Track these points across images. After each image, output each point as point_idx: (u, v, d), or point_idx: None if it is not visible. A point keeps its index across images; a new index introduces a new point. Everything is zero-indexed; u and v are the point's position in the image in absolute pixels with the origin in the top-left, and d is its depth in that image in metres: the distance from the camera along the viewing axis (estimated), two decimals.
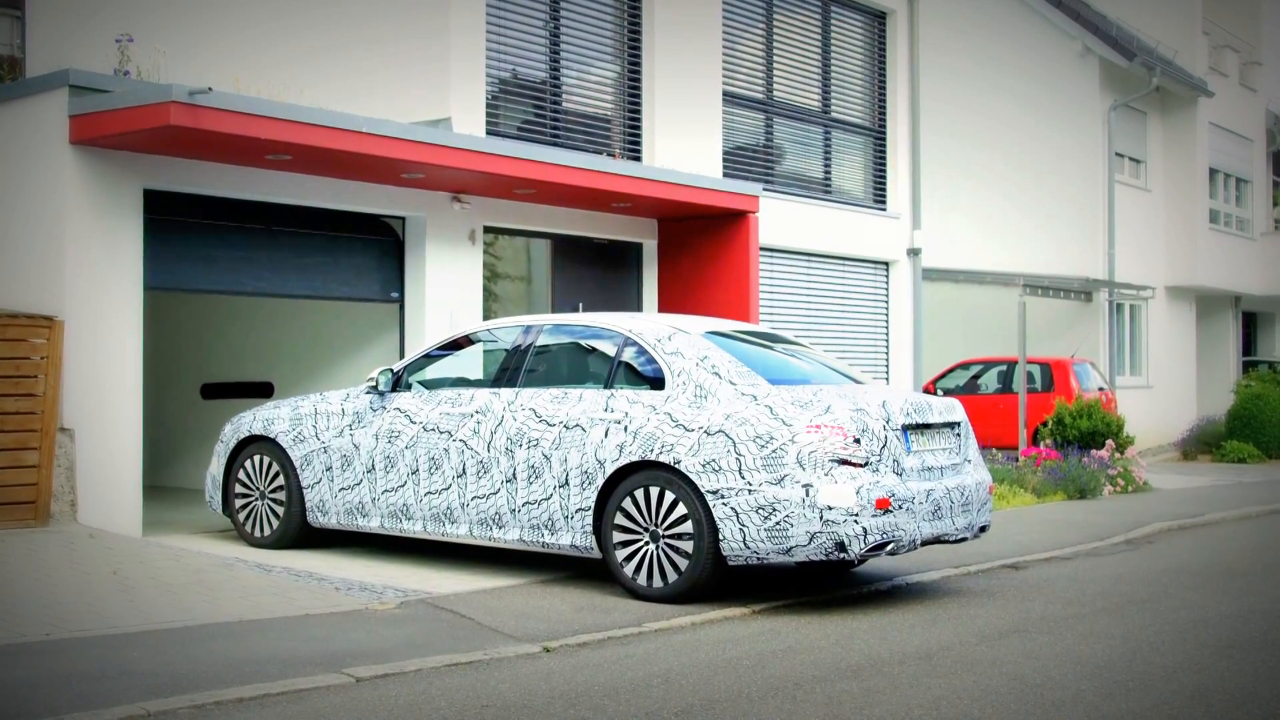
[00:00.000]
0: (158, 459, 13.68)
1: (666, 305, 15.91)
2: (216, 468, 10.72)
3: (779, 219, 16.91)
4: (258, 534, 10.34)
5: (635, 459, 8.53)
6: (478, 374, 10.21)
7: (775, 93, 17.75)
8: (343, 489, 9.85)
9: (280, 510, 10.21)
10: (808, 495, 8.03)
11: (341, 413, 9.99)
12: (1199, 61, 29.26)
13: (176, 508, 12.51)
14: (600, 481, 8.65)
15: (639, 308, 15.86)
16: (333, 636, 7.32)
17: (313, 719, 5.70)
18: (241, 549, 10.14)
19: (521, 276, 15.21)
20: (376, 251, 12.97)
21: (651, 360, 8.90)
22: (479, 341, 10.23)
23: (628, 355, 9.03)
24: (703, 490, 8.26)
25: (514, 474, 9.00)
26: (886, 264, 19.44)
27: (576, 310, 14.89)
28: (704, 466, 8.27)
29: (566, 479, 8.79)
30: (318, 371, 13.72)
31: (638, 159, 15.52)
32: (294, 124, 10.56)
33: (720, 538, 8.20)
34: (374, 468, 9.67)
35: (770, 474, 8.12)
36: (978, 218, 26.91)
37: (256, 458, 10.41)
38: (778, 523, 8.06)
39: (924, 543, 8.43)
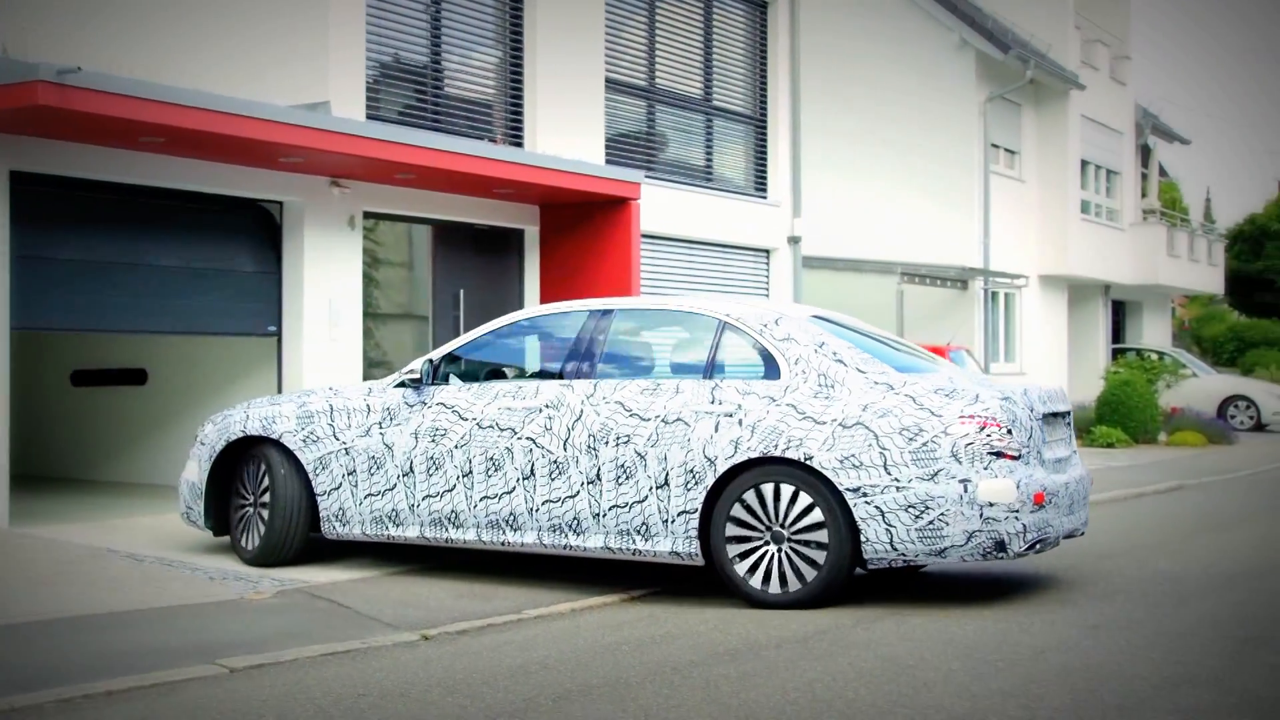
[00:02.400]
0: (28, 447, 13.35)
1: (548, 292, 15.88)
2: (197, 474, 9.44)
3: (661, 206, 16.97)
4: (248, 546, 9.15)
5: (754, 455, 7.87)
6: (527, 364, 9.37)
7: (658, 80, 17.81)
8: (370, 495, 8.81)
9: (283, 519, 9.04)
10: (965, 491, 7.56)
11: (367, 409, 8.94)
12: (1071, 55, 29.91)
13: (46, 497, 12.22)
14: (710, 481, 7.95)
15: (520, 294, 15.82)
16: (207, 627, 7.22)
17: (185, 712, 5.61)
18: (114, 538, 9.92)
19: (403, 262, 15.09)
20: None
21: (759, 347, 8.27)
22: (529, 329, 9.44)
23: (728, 342, 8.40)
24: (841, 488, 7.69)
25: (598, 474, 8.23)
26: (767, 251, 19.61)
27: (457, 298, 14.82)
28: (842, 462, 7.70)
29: (666, 479, 8.06)
30: (194, 357, 13.50)
31: (520, 145, 15.47)
32: (167, 105, 10.35)
33: (862, 539, 7.67)
34: (412, 470, 8.70)
35: (921, 469, 7.61)
36: (858, 206, 27.25)
37: (257, 462, 9.21)
38: (931, 522, 7.57)
39: (1063, 538, 8.12)
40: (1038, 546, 7.75)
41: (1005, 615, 7.55)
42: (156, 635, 6.97)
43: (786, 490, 7.83)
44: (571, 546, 8.35)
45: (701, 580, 8.83)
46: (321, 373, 12.88)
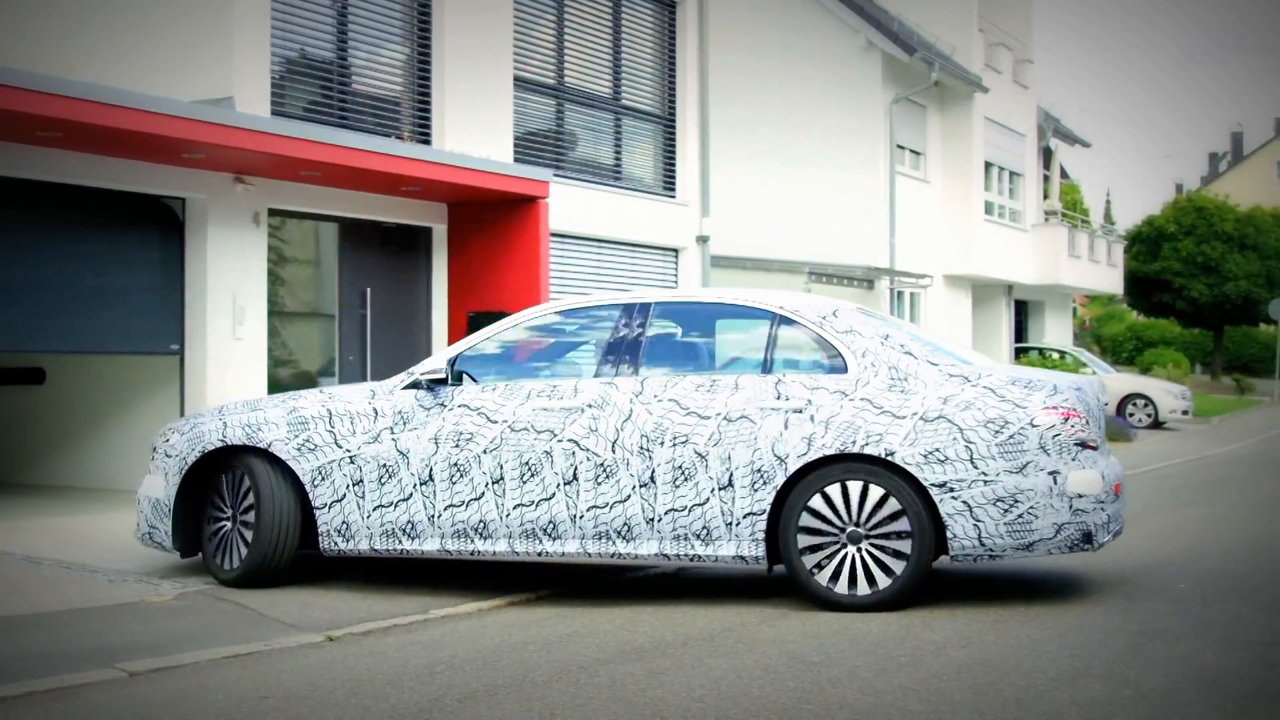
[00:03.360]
0: None
1: (457, 290, 15.83)
2: (163, 489, 8.58)
3: (570, 205, 16.97)
4: (227, 566, 8.43)
5: (830, 452, 7.62)
6: (555, 361, 8.80)
7: (567, 79, 17.80)
8: (381, 507, 8.18)
9: (249, 535, 8.34)
10: (1055, 483, 7.48)
11: (374, 413, 8.30)
12: (975, 58, 30.35)
13: None
14: (780, 480, 7.66)
15: (428, 293, 15.73)
16: (107, 630, 7.10)
17: (82, 717, 5.52)
18: (10, 540, 9.72)
19: (309, 261, 14.94)
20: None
21: (820, 340, 8.01)
22: (554, 325, 8.88)
23: (786, 335, 8.10)
24: (926, 483, 7.52)
25: (651, 477, 7.83)
26: (675, 251, 19.69)
27: (364, 296, 14.70)
28: (926, 457, 7.52)
29: (730, 480, 7.74)
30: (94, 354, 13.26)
31: (428, 143, 15.39)
32: (66, 99, 10.17)
33: (949, 535, 7.53)
34: (431, 478, 8.12)
35: (1009, 462, 7.49)
36: (765, 206, 27.43)
37: (237, 474, 8.44)
38: (1020, 515, 7.47)
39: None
40: (1115, 537, 7.82)
41: (909, 611, 7.63)
42: (54, 639, 6.84)
43: (864, 488, 7.63)
44: (620, 554, 7.91)
45: (606, 580, 8.84)
46: (226, 370, 12.72)
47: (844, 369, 7.88)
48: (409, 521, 8.16)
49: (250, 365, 13.06)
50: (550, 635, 7.13)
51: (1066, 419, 7.60)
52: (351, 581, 8.65)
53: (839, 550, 7.65)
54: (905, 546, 7.54)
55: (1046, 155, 37.85)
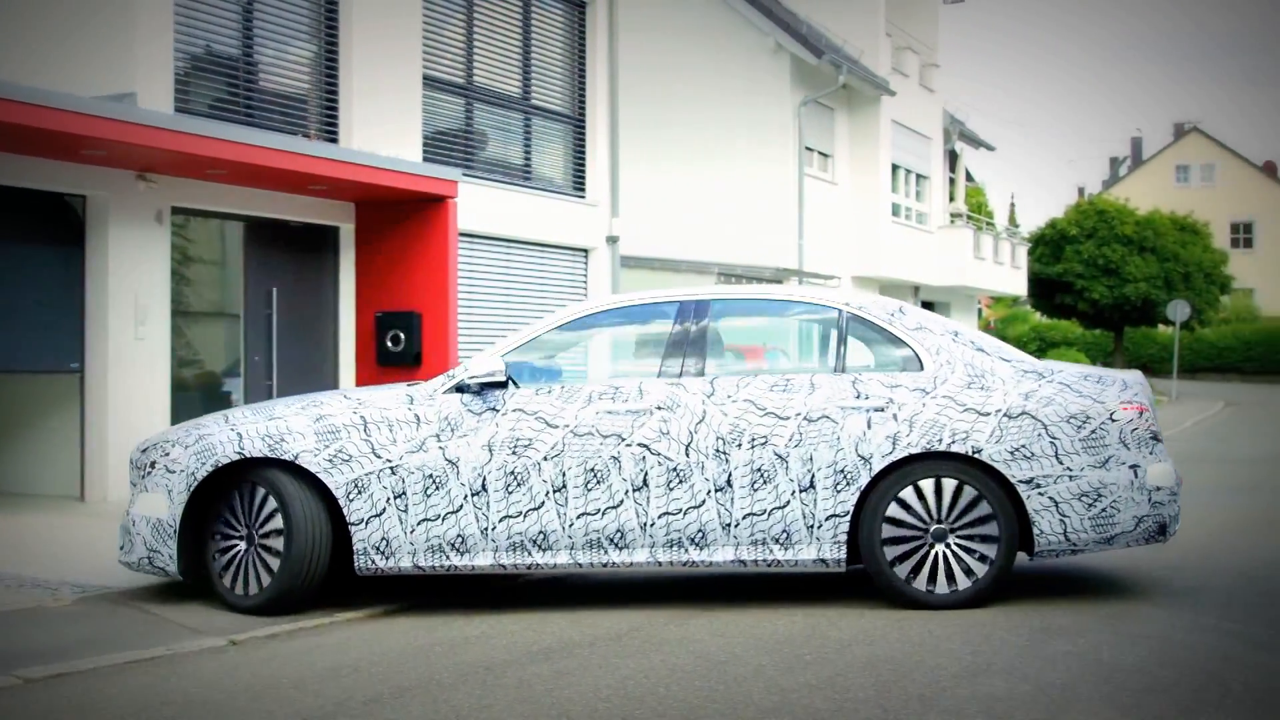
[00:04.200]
0: None
1: (365, 290, 15.71)
2: (165, 509, 7.77)
3: (479, 205, 16.90)
4: (246, 591, 7.69)
5: (915, 451, 7.59)
6: (606, 362, 8.46)
7: (476, 78, 17.74)
8: (426, 520, 7.64)
9: (274, 559, 7.63)
10: (1136, 477, 7.65)
11: (416, 420, 7.76)
12: (882, 62, 30.68)
13: None
14: (864, 481, 7.59)
15: (336, 293, 15.60)
16: (2, 637, 6.95)
17: None
18: None
19: (214, 260, 14.75)
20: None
21: (890, 337, 7.97)
22: (603, 324, 8.57)
23: (855, 332, 8.02)
24: (1013, 480, 7.56)
25: (728, 481, 7.64)
26: (585, 251, 19.69)
27: (270, 296, 14.55)
28: (1012, 454, 7.57)
29: (812, 481, 7.61)
30: None
31: (335, 141, 15.26)
32: None
33: (1035, 531, 7.60)
34: (485, 488, 7.64)
35: (1093, 457, 7.61)
36: (675, 206, 27.54)
37: (256, 488, 7.71)
38: (1104, 509, 7.60)
39: None
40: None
41: (814, 610, 7.70)
42: None
43: (951, 486, 7.62)
44: (694, 562, 7.69)
45: (513, 583, 8.81)
46: (128, 371, 12.53)
47: (919, 366, 7.87)
48: (459, 535, 7.65)
49: (152, 366, 12.87)
50: (457, 637, 7.11)
51: (1141, 413, 7.79)
52: None
53: (923, 549, 7.64)
54: (989, 544, 7.61)
55: (952, 158, 38.36)
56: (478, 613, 7.81)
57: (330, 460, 7.67)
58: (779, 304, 8.43)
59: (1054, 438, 7.62)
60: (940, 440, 7.60)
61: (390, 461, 7.68)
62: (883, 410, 7.67)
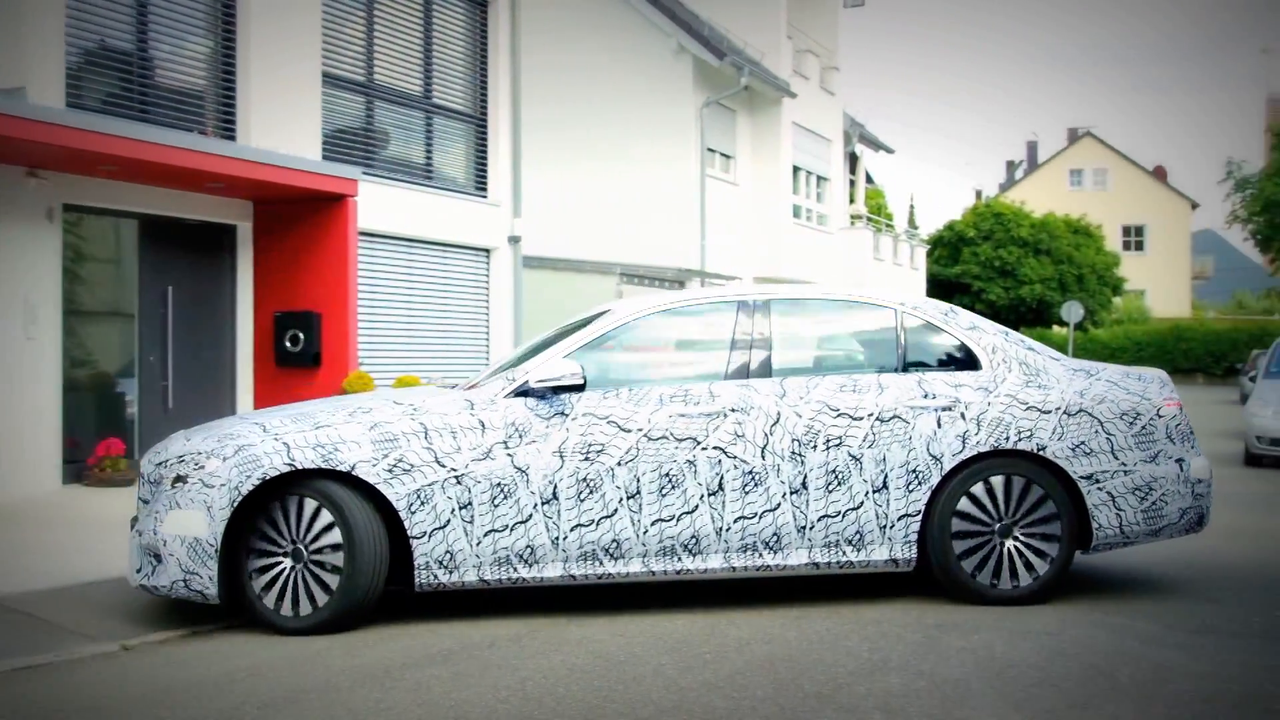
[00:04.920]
0: None
1: (263, 289, 15.52)
2: (205, 527, 7.13)
3: (380, 204, 16.78)
4: (296, 612, 7.19)
5: (984, 449, 7.71)
6: (664, 363, 8.12)
7: (377, 76, 17.59)
8: (494, 531, 7.32)
9: (331, 577, 7.17)
10: (1181, 470, 7.97)
11: (480, 426, 7.41)
12: (784, 64, 30.92)
13: None
14: (935, 480, 7.67)
15: (233, 292, 15.40)
16: None
17: None
18: None
19: (108, 259, 14.48)
20: None
21: (948, 337, 8.09)
22: (660, 324, 8.16)
23: (913, 333, 8.09)
24: (1074, 476, 7.78)
25: (803, 483, 7.59)
26: (487, 251, 19.61)
27: (165, 295, 14.32)
28: (1073, 450, 7.79)
29: (884, 482, 7.65)
30: None
31: (233, 138, 15.05)
32: None
33: (1094, 525, 7.83)
34: (556, 496, 7.38)
35: (1144, 452, 7.92)
36: (578, 207, 27.54)
37: (305, 501, 7.22)
38: (1154, 502, 7.91)
39: None
40: None
41: (714, 609, 7.74)
42: None
43: (1020, 483, 7.77)
44: (768, 567, 7.62)
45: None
46: (16, 371, 12.26)
47: (976, 365, 8.01)
48: (528, 546, 7.36)
49: (43, 366, 12.61)
50: (354, 640, 7.04)
51: (1180, 409, 8.15)
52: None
53: (989, 545, 7.76)
54: (1051, 542, 7.77)
55: (852, 161, 38.75)
56: (375, 616, 7.74)
57: (390, 470, 7.25)
58: (837, 303, 8.37)
59: (1109, 434, 7.89)
60: (1007, 438, 7.76)
61: (455, 470, 7.33)
62: (950, 409, 7.78)
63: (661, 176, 27.52)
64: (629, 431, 7.49)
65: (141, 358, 14.24)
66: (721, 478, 7.53)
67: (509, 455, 7.37)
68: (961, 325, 8.17)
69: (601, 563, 7.45)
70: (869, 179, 45.50)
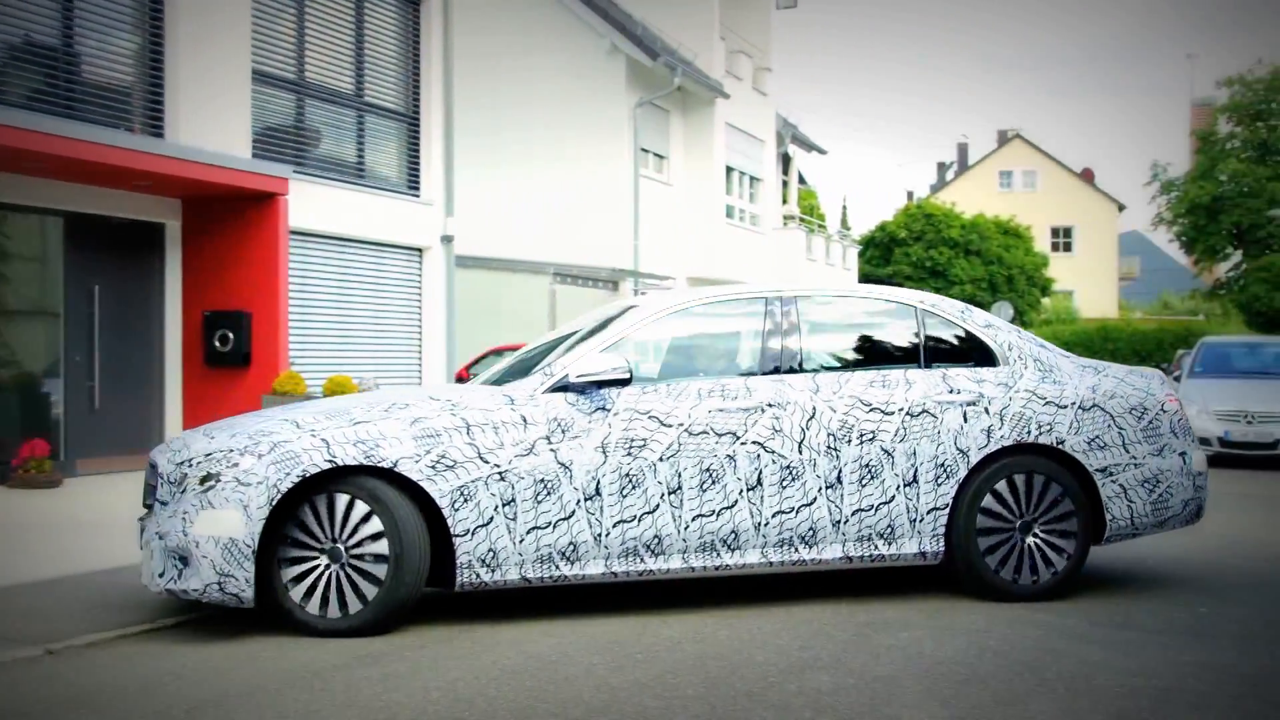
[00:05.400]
0: None
1: (193, 288, 15.36)
2: (241, 527, 6.90)
3: (311, 202, 16.66)
4: (332, 613, 7.04)
5: (1007, 443, 7.86)
6: (695, 358, 8.09)
7: (308, 74, 17.46)
8: (536, 528, 7.23)
9: (374, 574, 7.01)
10: (1184, 463, 8.23)
11: (523, 421, 7.32)
12: (717, 65, 31.00)
13: None
14: (962, 474, 7.80)
15: (162, 291, 15.23)
16: None
17: None
18: None
19: (33, 257, 14.27)
20: None
21: (965, 334, 8.25)
22: (686, 320, 8.09)
23: (933, 329, 8.23)
24: (1090, 469, 7.98)
25: (838, 478, 7.64)
26: (420, 250, 19.53)
27: (92, 295, 14.14)
28: (1089, 444, 7.98)
29: (915, 476, 7.74)
30: None
31: (161, 136, 14.88)
32: None
33: (1108, 517, 8.02)
34: (599, 492, 7.32)
35: (1151, 445, 8.14)
36: (512, 206, 27.47)
37: (341, 498, 7.04)
38: (1160, 494, 8.14)
39: None
40: None
41: (646, 609, 7.75)
42: None
43: (1039, 478, 7.91)
44: (804, 561, 7.65)
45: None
46: None
47: (992, 362, 8.17)
48: (571, 543, 7.29)
49: None
50: (284, 641, 6.98)
51: (1179, 405, 8.42)
52: (76, 590, 8.28)
53: (1012, 541, 7.88)
54: (1070, 536, 7.93)
55: (785, 161, 38.93)
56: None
57: (432, 467, 7.11)
58: (859, 300, 8.44)
59: (1120, 428, 8.10)
60: (1028, 433, 7.92)
61: (499, 467, 7.21)
62: (975, 404, 7.92)
63: (595, 176, 27.52)
64: (670, 426, 7.48)
65: (67, 357, 14.06)
66: (760, 472, 7.57)
67: (552, 451, 7.31)
68: (978, 323, 8.34)
69: (643, 559, 7.43)
70: (802, 179, 45.73)
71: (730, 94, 31.14)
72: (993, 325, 8.33)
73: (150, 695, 5.88)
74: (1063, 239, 70.96)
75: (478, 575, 7.20)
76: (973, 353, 8.20)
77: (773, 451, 7.59)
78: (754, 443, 7.57)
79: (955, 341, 8.25)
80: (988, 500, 7.84)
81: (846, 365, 8.07)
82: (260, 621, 7.48)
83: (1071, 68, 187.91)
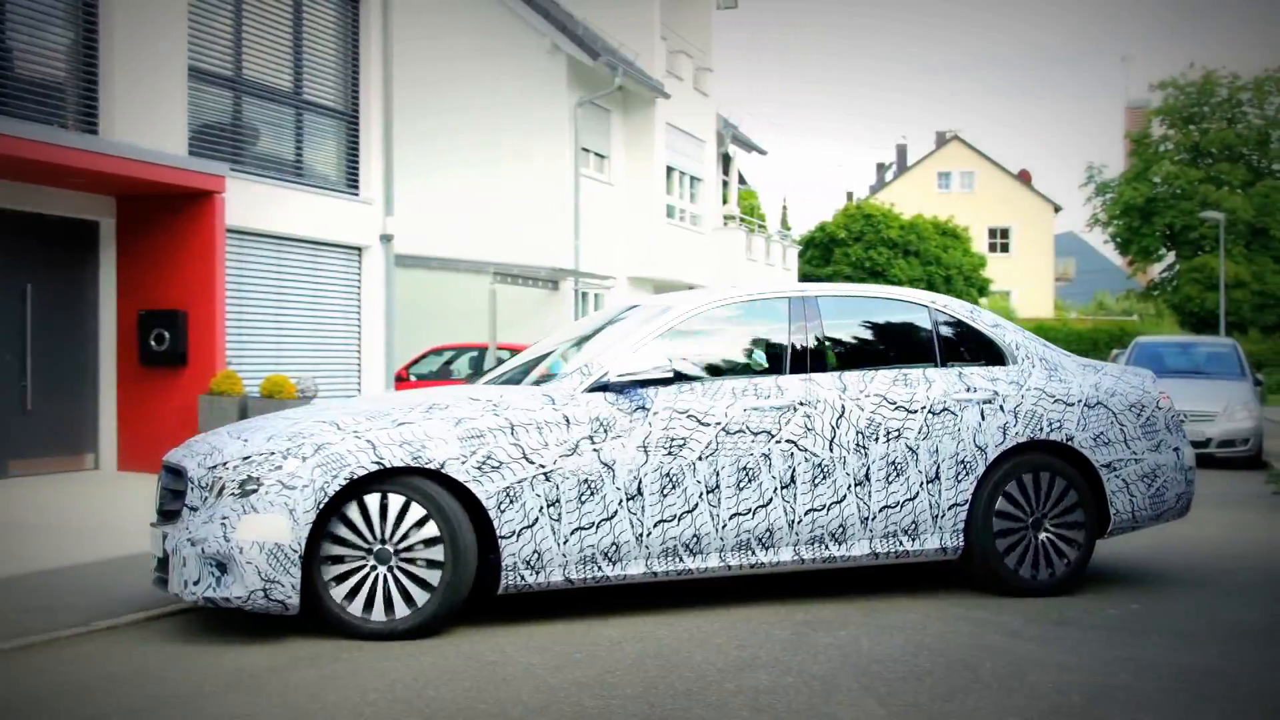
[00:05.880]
0: None
1: (127, 287, 15.20)
2: (288, 532, 6.76)
3: (249, 201, 16.51)
4: (382, 616, 6.93)
5: (1022, 440, 8.07)
6: (722, 356, 7.98)
7: (245, 71, 17.30)
8: (580, 529, 7.20)
9: (429, 577, 6.94)
10: (1178, 458, 8.53)
11: (565, 421, 7.29)
12: (657, 65, 31.05)
13: None
14: (981, 470, 7.98)
15: (96, 290, 15.05)
16: None
17: None
18: None
19: None
20: None
21: (974, 333, 8.46)
22: (718, 319, 8.09)
23: (946, 329, 8.43)
24: (1096, 464, 8.22)
25: (866, 475, 7.76)
26: (359, 249, 19.40)
27: (25, 294, 13.96)
28: (1095, 440, 8.23)
29: (937, 472, 7.89)
30: None
31: (95, 132, 14.70)
32: None
33: (1111, 510, 8.27)
34: (640, 492, 7.32)
35: (1149, 441, 8.42)
36: (452, 205, 27.38)
37: (387, 500, 6.94)
38: (1157, 489, 8.42)
39: None
40: None
41: (585, 609, 7.76)
42: None
43: (1047, 474, 8.12)
44: (833, 558, 7.75)
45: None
46: None
47: (1001, 360, 8.38)
48: (613, 543, 7.28)
49: None
50: (220, 643, 6.93)
51: (1171, 403, 8.73)
52: (8, 593, 8.18)
53: (1024, 536, 8.08)
54: (1080, 528, 8.17)
55: (725, 161, 39.04)
56: (240, 619, 7.62)
57: (479, 468, 7.04)
58: (875, 300, 8.60)
59: (1121, 424, 8.38)
60: (1041, 430, 8.14)
61: (544, 467, 7.16)
62: (990, 402, 8.11)
63: (536, 175, 27.48)
64: (708, 426, 7.53)
65: None
66: (794, 470, 7.66)
67: (595, 450, 7.29)
68: (986, 322, 8.55)
69: (681, 559, 7.46)
70: (742, 180, 45.88)
71: (671, 94, 31.20)
72: (1000, 325, 8.57)
73: (84, 701, 5.81)
74: (1000, 240, 71.63)
75: (522, 577, 7.15)
76: (983, 352, 8.42)
77: (805, 450, 7.70)
78: (788, 441, 7.67)
79: (966, 341, 8.46)
80: (1003, 497, 8.04)
81: (867, 364, 8.19)
82: (198, 624, 7.43)
83: (1009, 70, 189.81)
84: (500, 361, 22.84)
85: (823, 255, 51.88)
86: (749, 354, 8.20)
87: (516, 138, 27.52)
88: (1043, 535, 8.10)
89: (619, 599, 7.99)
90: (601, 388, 7.46)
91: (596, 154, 29.37)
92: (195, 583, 6.88)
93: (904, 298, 8.58)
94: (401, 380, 22.46)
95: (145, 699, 5.82)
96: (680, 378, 7.62)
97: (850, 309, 8.47)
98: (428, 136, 26.81)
